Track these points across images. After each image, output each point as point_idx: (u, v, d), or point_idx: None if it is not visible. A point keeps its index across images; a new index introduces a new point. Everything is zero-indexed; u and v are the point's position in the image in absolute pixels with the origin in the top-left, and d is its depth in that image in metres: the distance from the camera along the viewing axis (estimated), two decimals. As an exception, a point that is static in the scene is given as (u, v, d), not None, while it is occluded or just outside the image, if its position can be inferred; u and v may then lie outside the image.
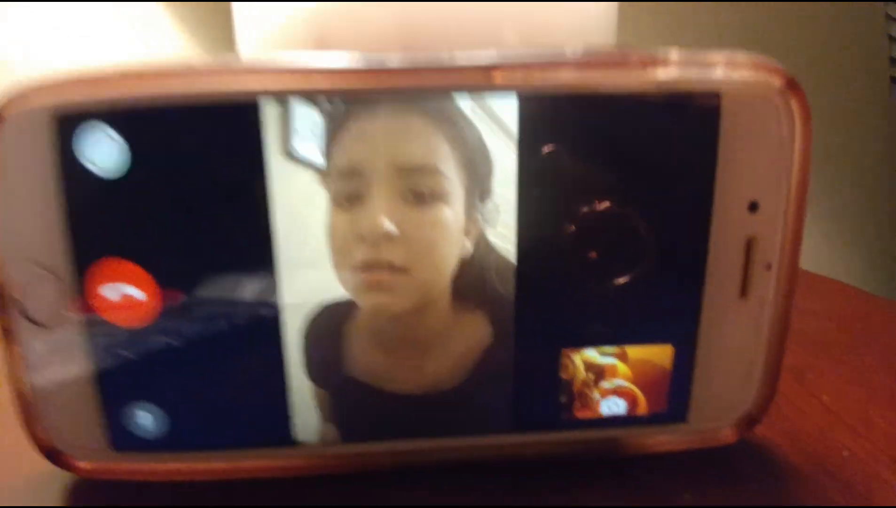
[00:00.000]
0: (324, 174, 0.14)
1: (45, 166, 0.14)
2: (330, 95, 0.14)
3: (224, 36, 0.44)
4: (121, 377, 0.15)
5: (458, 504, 0.15)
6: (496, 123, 0.14)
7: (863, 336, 0.26)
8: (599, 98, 0.14)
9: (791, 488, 0.16)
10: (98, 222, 0.14)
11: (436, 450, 0.16)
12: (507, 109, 0.14)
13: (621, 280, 0.15)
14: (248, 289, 0.15)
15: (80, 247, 0.14)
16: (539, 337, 0.16)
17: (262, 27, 0.21)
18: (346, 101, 0.14)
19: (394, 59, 0.14)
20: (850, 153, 0.66)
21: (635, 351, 0.16)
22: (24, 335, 0.15)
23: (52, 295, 0.15)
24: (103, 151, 0.14)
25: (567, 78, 0.14)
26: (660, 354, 0.16)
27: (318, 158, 0.14)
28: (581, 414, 0.16)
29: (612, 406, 0.16)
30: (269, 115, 0.14)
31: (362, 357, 0.15)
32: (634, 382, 0.16)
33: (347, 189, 0.14)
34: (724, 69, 0.15)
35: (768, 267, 0.15)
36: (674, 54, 0.14)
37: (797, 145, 0.15)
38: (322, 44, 0.20)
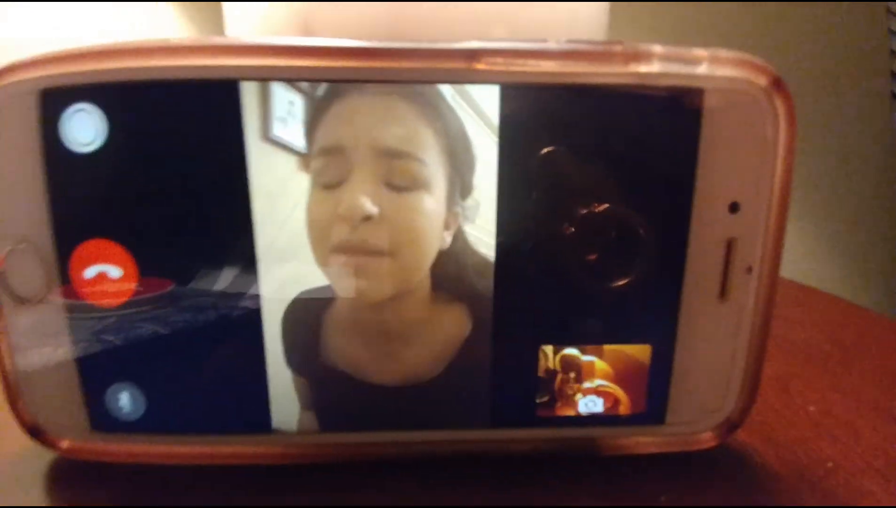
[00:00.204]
0: (304, 155, 0.14)
1: (31, 142, 0.14)
2: (310, 73, 0.14)
3: (215, 35, 0.44)
4: (102, 357, 0.15)
5: (433, 497, 0.15)
6: (478, 114, 0.14)
7: (852, 348, 0.26)
8: (580, 90, 0.14)
9: (770, 496, 0.16)
10: (80, 199, 0.15)
11: (412, 443, 0.16)
12: (488, 99, 0.14)
13: (600, 279, 0.15)
14: (227, 274, 0.15)
15: (63, 224, 0.15)
16: (516, 334, 0.15)
17: (252, 26, 0.22)
18: (327, 80, 0.14)
19: (376, 43, 0.14)
20: (849, 161, 0.65)
21: (613, 351, 0.16)
22: (7, 311, 0.15)
23: (36, 271, 0.15)
24: (87, 129, 0.14)
25: (549, 67, 0.14)
26: (638, 354, 0.16)
27: (299, 140, 0.14)
28: (558, 412, 0.16)
29: (590, 405, 0.16)
30: (249, 92, 0.14)
31: (340, 346, 0.15)
32: (612, 381, 0.16)
33: (328, 170, 0.14)
34: (707, 66, 0.14)
35: (749, 270, 0.15)
36: (657, 49, 0.14)
37: (781, 146, 0.15)
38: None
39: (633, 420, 0.16)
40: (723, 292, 0.15)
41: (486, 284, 0.15)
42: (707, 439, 0.17)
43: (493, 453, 0.16)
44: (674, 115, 0.14)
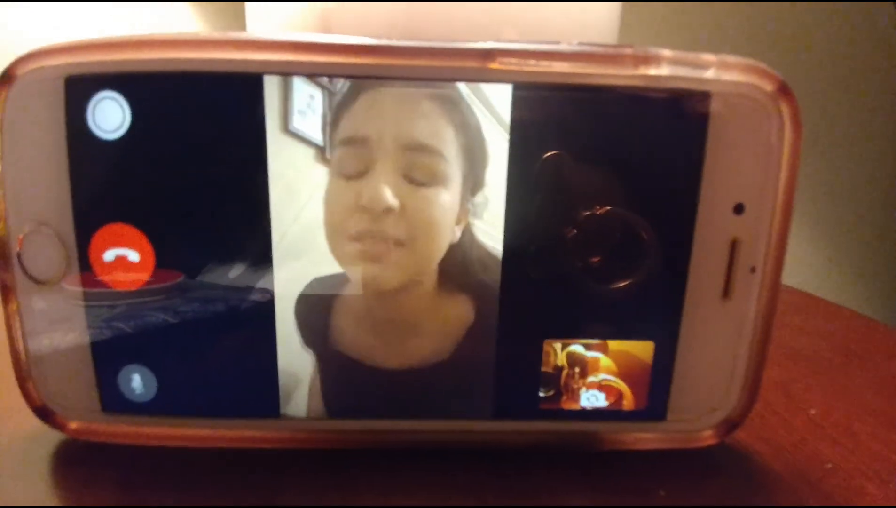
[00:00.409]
0: (329, 143, 0.14)
1: (54, 128, 0.14)
2: (330, 69, 0.14)
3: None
4: (115, 339, 0.16)
5: (435, 485, 0.16)
6: (491, 112, 0.15)
7: (855, 357, 0.26)
8: (590, 91, 0.15)
9: (768, 494, 0.16)
10: (103, 184, 0.15)
11: (416, 431, 0.17)
12: (501, 98, 0.15)
13: (604, 276, 0.16)
14: (242, 261, 0.15)
15: (83, 209, 0.15)
16: (520, 327, 0.16)
17: (274, 26, 0.22)
18: (346, 76, 0.14)
19: (394, 41, 0.14)
20: (856, 169, 0.65)
21: (617, 346, 0.16)
22: (22, 292, 0.15)
23: (54, 254, 0.15)
24: (113, 116, 0.15)
25: (560, 68, 0.14)
26: (641, 350, 0.16)
27: (317, 133, 0.14)
28: (560, 406, 0.16)
29: (592, 400, 0.16)
30: (271, 86, 0.14)
31: (349, 331, 0.16)
32: (615, 377, 0.16)
33: (351, 159, 0.14)
34: (715, 70, 0.15)
35: (752, 270, 0.16)
36: (666, 53, 0.15)
37: (786, 150, 0.15)
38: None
39: (634, 416, 0.16)
40: (726, 292, 0.16)
41: (493, 277, 0.15)
42: (707, 437, 0.17)
43: (496, 444, 0.17)
44: (681, 117, 0.15)
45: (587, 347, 0.16)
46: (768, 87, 0.15)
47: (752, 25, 0.60)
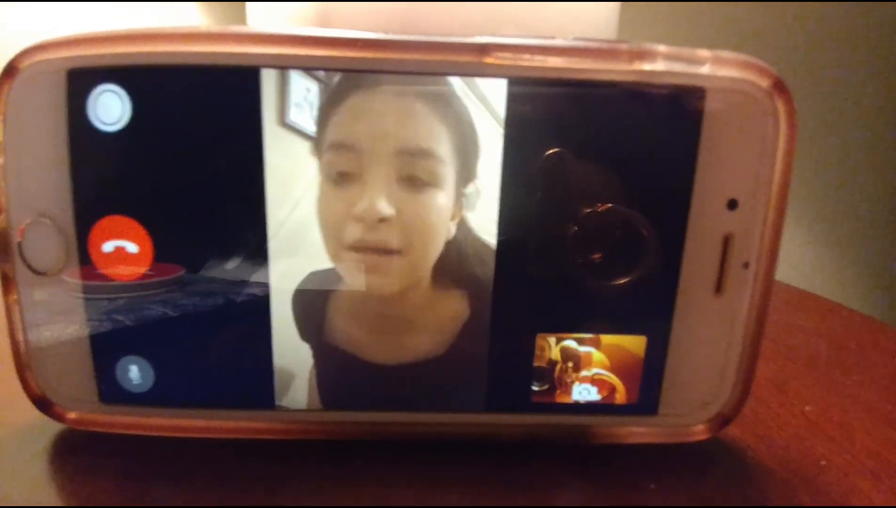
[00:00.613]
0: (318, 147, 0.15)
1: (56, 120, 0.15)
2: (327, 62, 0.14)
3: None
4: (114, 331, 0.16)
5: (427, 476, 0.16)
6: (485, 106, 0.15)
7: (853, 354, 0.26)
8: (585, 86, 0.15)
9: (760, 489, 0.16)
10: (101, 177, 0.15)
11: (410, 423, 0.17)
12: (496, 92, 0.15)
13: (598, 271, 0.16)
14: (238, 254, 0.15)
15: (83, 200, 0.15)
16: (513, 321, 0.16)
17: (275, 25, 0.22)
18: (342, 70, 0.14)
19: (390, 35, 0.14)
20: (856, 168, 0.65)
21: (609, 340, 0.16)
22: (23, 282, 0.16)
23: (54, 245, 0.15)
24: (113, 109, 0.15)
25: (555, 63, 0.15)
26: (633, 345, 0.16)
27: (314, 125, 0.15)
28: (552, 399, 0.17)
29: (584, 393, 0.17)
30: (268, 79, 0.14)
31: (344, 324, 0.16)
32: (608, 371, 0.16)
33: (340, 165, 0.15)
34: (710, 66, 0.15)
35: (745, 266, 0.16)
36: (661, 48, 0.15)
37: (781, 146, 0.15)
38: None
39: (626, 410, 0.17)
40: (719, 288, 0.16)
41: (487, 271, 0.15)
42: (699, 431, 0.17)
43: (488, 436, 0.17)
44: (675, 113, 0.15)
45: (580, 341, 0.16)
46: (764, 83, 0.15)
47: (752, 23, 0.60)
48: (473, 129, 0.15)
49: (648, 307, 0.16)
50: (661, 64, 0.15)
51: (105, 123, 0.15)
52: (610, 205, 0.15)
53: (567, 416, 0.17)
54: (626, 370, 0.16)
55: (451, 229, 0.15)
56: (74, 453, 0.16)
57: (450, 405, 0.17)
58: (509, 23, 0.20)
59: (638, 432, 0.17)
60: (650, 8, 0.57)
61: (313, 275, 0.15)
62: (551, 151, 0.15)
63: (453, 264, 0.15)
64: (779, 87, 0.15)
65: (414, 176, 0.14)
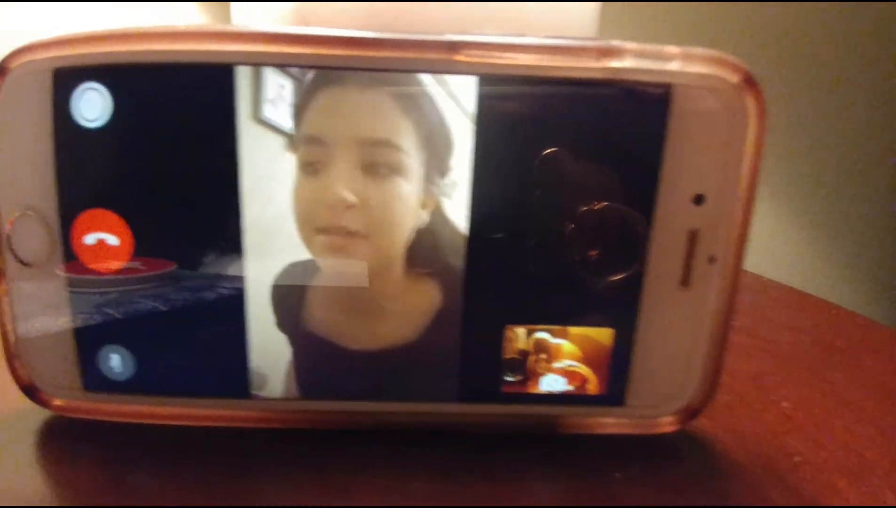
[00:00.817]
0: (291, 141, 0.15)
1: (42, 117, 0.15)
2: (300, 59, 0.15)
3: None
4: (96, 320, 0.16)
5: (397, 465, 0.16)
6: (456, 103, 0.15)
7: (838, 352, 0.26)
8: (554, 83, 0.15)
9: (727, 483, 0.16)
10: (83, 171, 0.16)
11: (382, 413, 0.17)
12: (467, 89, 0.15)
13: (565, 261, 0.16)
14: (214, 247, 0.16)
15: (66, 194, 0.16)
16: (484, 311, 0.16)
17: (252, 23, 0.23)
18: (315, 67, 0.15)
19: (362, 33, 0.15)
20: (851, 167, 0.64)
21: (577, 332, 0.16)
22: (12, 274, 0.16)
23: (41, 237, 0.16)
24: (94, 106, 0.15)
25: (525, 60, 0.15)
26: (601, 337, 0.16)
27: (287, 121, 0.15)
28: (522, 390, 0.17)
29: (553, 384, 0.17)
30: (243, 76, 0.15)
31: (321, 312, 0.16)
32: (576, 362, 0.17)
33: (311, 157, 0.15)
34: (679, 62, 0.15)
35: (712, 260, 0.16)
36: (630, 45, 0.15)
37: (749, 142, 0.15)
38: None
39: (593, 401, 0.17)
40: (685, 282, 0.16)
41: (459, 261, 0.16)
42: (667, 423, 0.17)
43: (459, 426, 0.17)
44: (642, 109, 0.15)
45: (549, 332, 0.16)
46: (733, 78, 0.15)
47: (736, 23, 0.59)
48: (443, 123, 0.15)
49: (615, 300, 0.16)
50: (630, 61, 0.15)
51: (87, 120, 0.15)
52: (578, 199, 0.16)
53: (536, 406, 0.17)
54: (595, 362, 0.17)
55: (424, 216, 0.15)
56: (59, 438, 0.17)
57: (423, 394, 0.17)
58: (489, 23, 0.21)
59: (606, 422, 0.17)
60: (631, 8, 0.56)
61: (292, 266, 0.16)
62: (520, 147, 0.15)
63: (427, 252, 0.16)
64: (749, 82, 0.15)
65: (375, 164, 0.15)
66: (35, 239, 0.16)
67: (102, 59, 0.15)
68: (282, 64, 0.15)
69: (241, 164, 0.15)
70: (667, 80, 0.15)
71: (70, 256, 0.16)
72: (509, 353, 0.17)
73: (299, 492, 0.15)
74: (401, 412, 0.17)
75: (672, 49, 0.15)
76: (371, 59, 0.15)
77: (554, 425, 0.17)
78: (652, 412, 0.17)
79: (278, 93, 0.15)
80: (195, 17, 0.51)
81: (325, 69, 0.15)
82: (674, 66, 0.15)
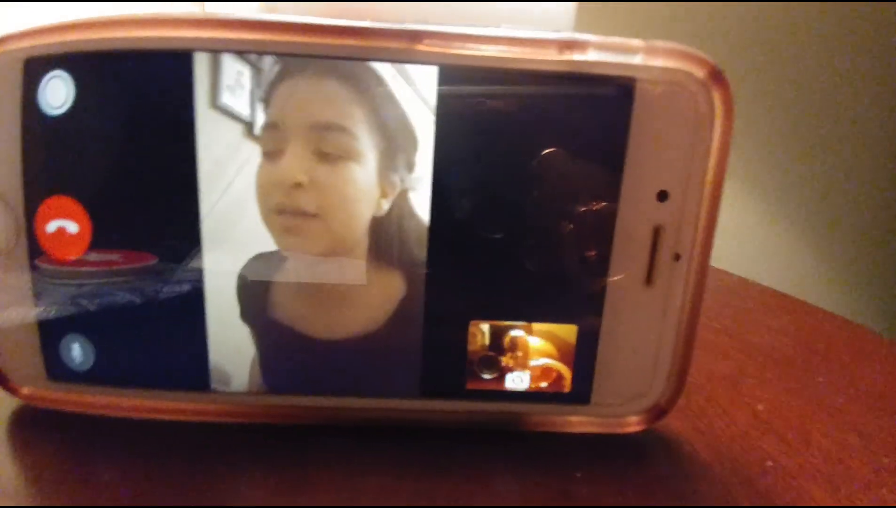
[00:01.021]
0: (252, 128, 0.15)
1: (13, 106, 0.15)
2: (260, 46, 0.15)
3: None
4: (56, 308, 0.16)
5: (357, 461, 0.16)
6: (417, 93, 0.15)
7: (819, 355, 0.25)
8: (515, 75, 0.15)
9: (692, 485, 0.16)
10: (46, 159, 0.16)
11: (345, 409, 0.17)
12: (427, 79, 0.15)
13: (528, 256, 0.16)
14: (172, 234, 0.16)
15: (30, 181, 0.16)
16: (446, 306, 0.16)
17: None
18: (275, 53, 0.15)
19: (322, 20, 0.15)
20: (847, 171, 0.64)
21: (541, 328, 0.16)
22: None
23: (6, 224, 0.16)
24: (59, 94, 0.15)
25: (486, 52, 0.15)
26: (565, 334, 0.16)
27: (245, 108, 0.15)
28: (484, 386, 0.17)
29: (517, 381, 0.17)
30: (201, 62, 0.15)
31: (287, 305, 0.16)
32: (540, 359, 0.16)
33: (269, 143, 0.15)
34: (643, 56, 0.15)
35: (677, 257, 0.15)
36: (593, 38, 0.15)
37: (716, 137, 0.15)
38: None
39: (558, 399, 0.17)
40: (649, 279, 0.16)
41: (422, 253, 0.16)
42: (633, 422, 0.17)
43: (422, 423, 0.17)
44: (605, 104, 0.15)
45: (513, 329, 0.16)
46: (699, 73, 0.15)
47: (719, 24, 0.59)
48: (401, 113, 0.15)
49: (578, 297, 0.16)
50: (592, 54, 0.15)
51: (52, 108, 0.15)
52: (540, 194, 0.15)
53: (500, 404, 0.17)
54: (559, 360, 0.16)
55: (383, 205, 0.15)
56: (27, 427, 0.17)
57: (385, 389, 0.17)
58: (464, 21, 0.21)
59: (570, 421, 0.17)
60: (606, 8, 0.56)
61: (257, 257, 0.16)
62: (482, 140, 0.15)
63: (390, 242, 0.16)
64: (715, 77, 0.15)
65: (326, 148, 0.15)
66: (2, 226, 0.16)
67: (67, 47, 0.15)
68: (240, 50, 0.15)
69: (199, 152, 0.15)
70: (630, 74, 0.15)
71: (34, 243, 0.16)
72: (470, 348, 0.16)
73: (253, 487, 0.15)
74: (363, 408, 0.17)
75: (636, 43, 0.15)
76: (330, 46, 0.15)
77: (518, 423, 0.17)
78: (618, 410, 0.17)
79: (236, 79, 0.15)
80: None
81: (284, 56, 0.15)
82: (638, 59, 0.15)
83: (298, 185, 0.15)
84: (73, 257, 0.16)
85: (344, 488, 0.15)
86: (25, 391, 0.17)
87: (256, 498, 0.14)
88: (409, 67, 0.15)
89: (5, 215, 0.16)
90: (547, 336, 0.16)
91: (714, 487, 0.16)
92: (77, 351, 0.17)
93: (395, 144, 0.15)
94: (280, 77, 0.15)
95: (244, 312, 0.16)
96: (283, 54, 0.15)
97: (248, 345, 0.17)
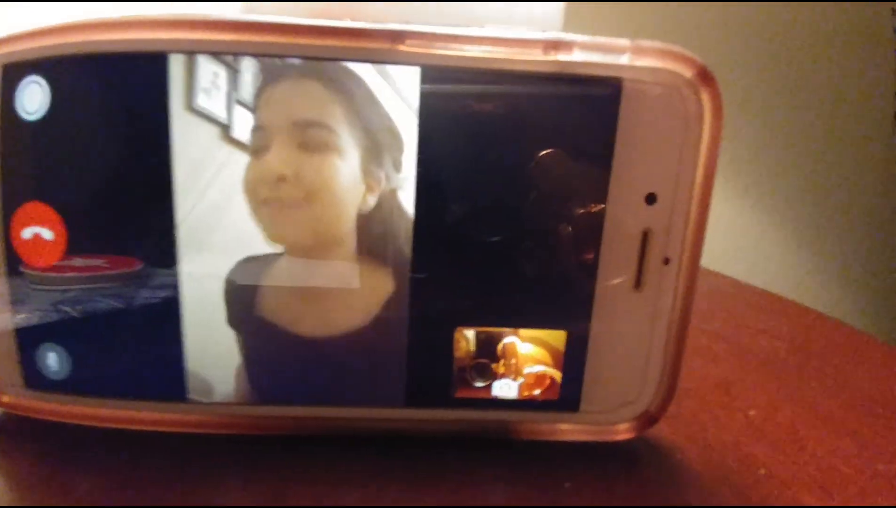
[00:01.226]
0: (227, 125, 0.15)
1: None
2: (237, 47, 0.14)
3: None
4: (33, 317, 0.16)
5: (342, 471, 0.16)
6: (398, 93, 0.15)
7: (814, 359, 0.25)
8: (499, 76, 0.14)
9: (683, 495, 0.16)
10: (23, 165, 0.15)
11: (331, 419, 0.16)
12: (409, 80, 0.14)
13: (514, 261, 0.15)
14: (147, 240, 0.15)
15: (7, 187, 0.15)
16: (432, 313, 0.16)
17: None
18: (253, 55, 0.14)
19: (302, 20, 0.14)
20: (845, 174, 0.64)
21: (529, 335, 0.16)
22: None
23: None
24: (35, 99, 0.15)
25: (470, 52, 0.14)
26: (554, 339, 0.16)
27: (222, 110, 0.15)
28: (472, 394, 0.16)
29: (504, 389, 0.16)
30: (177, 64, 0.14)
31: (274, 305, 0.16)
32: (529, 366, 0.16)
33: (257, 142, 0.15)
34: (629, 56, 0.14)
35: (666, 261, 0.15)
36: (579, 38, 0.14)
37: (705, 138, 0.15)
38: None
39: (547, 406, 0.16)
40: (638, 283, 0.15)
41: (407, 254, 0.15)
42: (623, 430, 0.17)
43: (408, 432, 0.17)
44: (591, 105, 0.15)
45: (501, 335, 0.16)
46: (687, 73, 0.15)
47: (712, 24, 0.59)
48: (383, 112, 0.15)
49: (567, 302, 0.15)
50: (578, 54, 0.14)
51: (28, 113, 0.15)
52: (526, 197, 0.15)
53: (488, 412, 0.16)
54: (552, 366, 0.16)
55: (369, 201, 0.15)
56: (5, 434, 0.17)
57: (370, 397, 0.16)
58: (452, 21, 0.20)
59: (560, 429, 0.17)
60: (594, 8, 0.56)
61: (246, 261, 0.15)
62: (466, 141, 0.15)
63: (378, 240, 0.15)
64: (703, 77, 0.15)
65: (308, 142, 0.15)
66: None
67: (44, 52, 0.15)
68: (217, 52, 0.14)
69: (175, 154, 0.15)
70: (617, 74, 0.14)
71: (9, 249, 0.16)
72: (466, 357, 0.16)
73: (232, 499, 0.14)
74: (346, 417, 0.16)
75: (623, 43, 0.14)
76: (310, 47, 0.14)
77: (506, 431, 0.17)
78: (608, 418, 0.16)
79: (212, 81, 0.14)
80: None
81: (262, 57, 0.14)
82: (624, 60, 0.14)
83: (283, 178, 0.15)
84: (48, 264, 0.16)
85: (325, 499, 0.15)
86: (5, 398, 0.17)
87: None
88: (390, 67, 0.14)
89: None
90: (539, 343, 0.16)
91: (705, 497, 0.16)
92: (53, 360, 0.16)
93: (378, 142, 0.15)
94: (265, 78, 0.15)
95: (231, 316, 0.16)
96: (262, 55, 0.14)
97: (230, 352, 0.16)
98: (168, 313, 0.16)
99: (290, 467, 0.16)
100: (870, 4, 0.58)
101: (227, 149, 0.15)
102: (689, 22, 0.59)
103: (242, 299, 0.16)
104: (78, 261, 0.16)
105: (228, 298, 0.16)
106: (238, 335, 0.16)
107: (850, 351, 0.26)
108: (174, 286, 0.15)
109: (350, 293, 0.16)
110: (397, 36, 0.14)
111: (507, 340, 0.16)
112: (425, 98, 0.15)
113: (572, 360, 0.16)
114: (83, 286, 0.16)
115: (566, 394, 0.16)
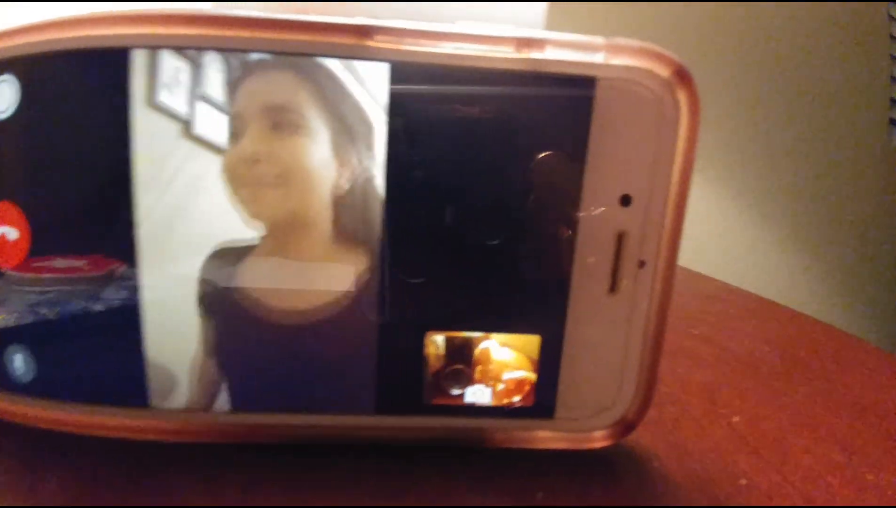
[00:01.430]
0: (188, 121, 0.14)
1: None
2: (203, 41, 0.14)
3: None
4: (2, 318, 0.16)
5: (312, 481, 0.15)
6: (367, 90, 0.14)
7: (802, 364, 0.25)
8: (470, 73, 0.14)
9: (658, 504, 0.15)
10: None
11: (299, 426, 0.16)
12: (378, 76, 0.14)
13: (485, 263, 0.15)
14: (109, 239, 0.15)
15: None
16: (403, 316, 0.15)
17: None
18: (219, 49, 0.14)
19: (269, 14, 0.14)
20: (844, 179, 0.63)
21: (502, 339, 0.15)
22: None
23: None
24: (5, 97, 0.15)
25: (440, 49, 0.14)
26: (527, 344, 0.15)
27: (184, 106, 0.14)
28: (444, 401, 0.16)
29: (477, 395, 0.16)
30: (139, 60, 0.14)
31: (248, 291, 0.15)
32: (502, 372, 0.16)
33: (234, 130, 0.15)
34: (604, 54, 0.14)
35: (641, 264, 0.15)
36: (552, 36, 0.14)
37: (681, 139, 0.14)
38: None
39: (521, 413, 0.16)
40: (613, 287, 0.15)
41: (378, 253, 0.15)
42: (600, 437, 0.16)
43: (379, 439, 0.16)
44: (564, 104, 0.14)
45: (474, 340, 0.16)
46: (663, 72, 0.14)
47: (685, 23, 0.58)
48: (352, 105, 0.15)
49: (540, 306, 0.15)
50: (551, 52, 0.14)
51: (3, 114, 0.15)
52: (497, 197, 0.15)
53: (460, 418, 0.16)
54: (532, 371, 0.16)
55: (342, 184, 0.15)
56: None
57: (339, 404, 0.16)
58: (434, 21, 0.20)
59: (535, 436, 0.16)
60: (577, 8, 0.55)
61: (218, 253, 0.15)
62: (436, 141, 0.15)
63: (353, 225, 0.15)
64: (680, 76, 0.14)
65: (280, 125, 0.15)
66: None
67: (13, 51, 0.15)
68: (181, 46, 0.14)
69: (136, 151, 0.14)
70: (591, 73, 0.14)
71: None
72: (436, 361, 0.16)
73: (192, 503, 0.14)
74: (315, 425, 0.16)
75: (597, 40, 0.14)
76: (277, 41, 0.14)
77: (479, 438, 0.16)
78: (583, 425, 0.16)
79: (174, 77, 0.14)
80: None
81: (227, 52, 0.14)
82: (599, 58, 0.14)
83: (257, 158, 0.15)
84: (12, 265, 0.15)
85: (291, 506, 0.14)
86: (-27, 400, 0.16)
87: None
88: (358, 64, 0.14)
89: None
90: (516, 348, 0.16)
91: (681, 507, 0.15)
92: (20, 362, 0.16)
93: (348, 129, 0.15)
94: (244, 70, 0.15)
95: (202, 310, 0.16)
96: (226, 50, 0.14)
97: (195, 355, 0.16)
98: (131, 315, 0.15)
99: (255, 474, 0.15)
100: (863, 4, 0.58)
101: (189, 145, 0.14)
102: (678, 22, 0.58)
103: (212, 293, 0.15)
104: (42, 262, 0.15)
105: (199, 291, 0.15)
106: (205, 328, 0.16)
107: (839, 356, 0.26)
108: (137, 288, 0.15)
109: (323, 277, 0.15)
110: (366, 31, 0.14)
111: (482, 345, 0.16)
112: (395, 95, 0.14)
113: (547, 365, 0.15)
114: (48, 288, 0.15)
115: (541, 400, 0.16)
